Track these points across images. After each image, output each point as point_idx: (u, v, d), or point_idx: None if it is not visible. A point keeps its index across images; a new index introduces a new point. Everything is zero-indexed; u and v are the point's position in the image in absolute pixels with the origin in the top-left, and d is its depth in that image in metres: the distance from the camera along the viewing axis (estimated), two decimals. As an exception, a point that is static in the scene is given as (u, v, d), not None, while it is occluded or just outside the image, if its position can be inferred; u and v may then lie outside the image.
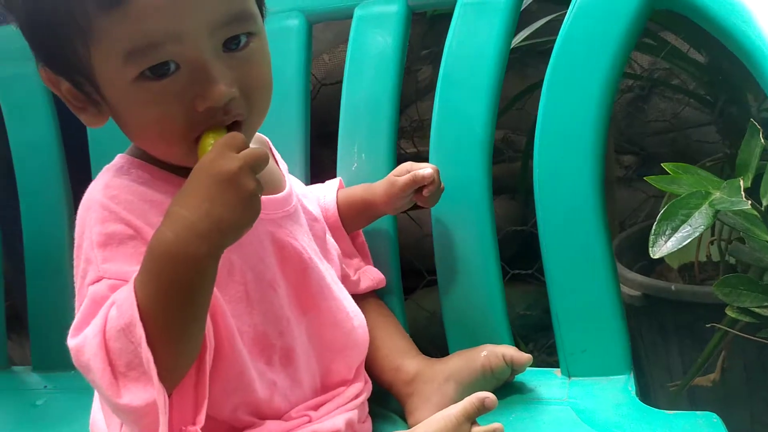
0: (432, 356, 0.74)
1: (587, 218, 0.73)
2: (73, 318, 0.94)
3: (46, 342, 0.95)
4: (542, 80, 0.74)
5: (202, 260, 0.46)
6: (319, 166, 0.88)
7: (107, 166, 0.58)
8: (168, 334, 0.47)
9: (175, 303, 0.47)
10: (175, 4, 0.48)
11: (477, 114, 0.77)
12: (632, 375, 0.72)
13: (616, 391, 0.70)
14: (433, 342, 0.79)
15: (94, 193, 0.54)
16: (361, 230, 0.80)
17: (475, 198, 0.77)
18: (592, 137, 0.72)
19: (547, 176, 0.74)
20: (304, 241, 0.64)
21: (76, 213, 0.55)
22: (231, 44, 0.52)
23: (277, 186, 0.65)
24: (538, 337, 1.39)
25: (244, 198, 0.47)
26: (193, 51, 0.50)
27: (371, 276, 0.78)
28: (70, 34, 0.49)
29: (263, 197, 0.53)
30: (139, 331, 0.46)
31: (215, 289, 0.52)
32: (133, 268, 0.49)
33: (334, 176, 0.82)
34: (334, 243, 0.74)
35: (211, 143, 0.50)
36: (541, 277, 1.27)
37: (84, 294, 0.51)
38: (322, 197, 0.77)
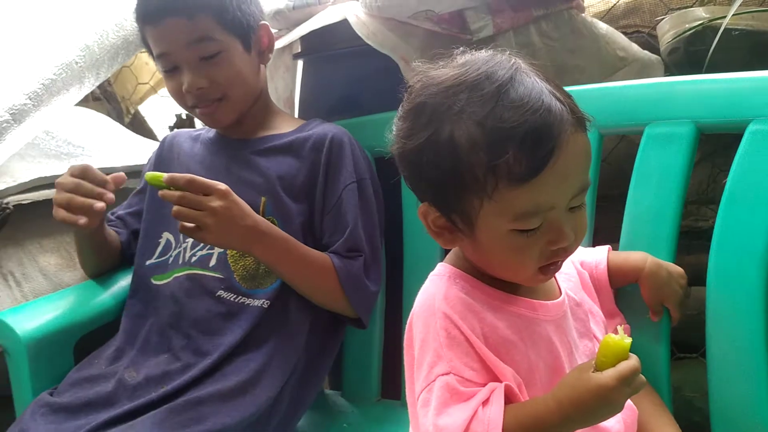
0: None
1: None
2: (376, 358, 1.15)
3: (356, 375, 1.18)
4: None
5: None
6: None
7: (435, 274, 0.76)
8: None
9: None
10: (562, 183, 0.65)
11: (762, 229, 0.83)
12: None
13: None
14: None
15: (437, 302, 0.71)
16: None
17: (751, 297, 0.84)
18: None
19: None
20: (572, 333, 0.78)
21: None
22: (573, 206, 0.69)
23: (555, 291, 0.79)
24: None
25: (614, 414, 0.64)
26: (557, 214, 0.67)
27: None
28: (473, 194, 0.66)
29: (550, 302, 0.74)
30: None
31: (519, 378, 0.68)
32: (466, 366, 0.67)
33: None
34: (598, 311, 0.86)
35: (618, 351, 0.64)
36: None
37: (431, 378, 0.68)
38: (594, 267, 0.89)
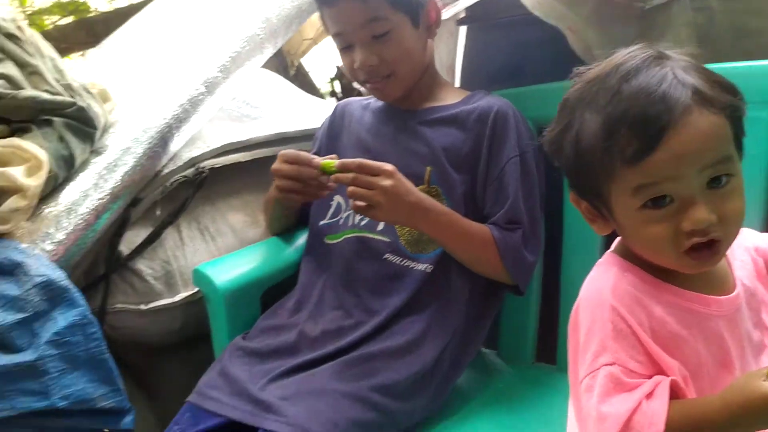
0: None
1: None
2: (533, 322, 1.20)
3: (513, 338, 1.24)
4: None
5: None
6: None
7: (603, 263, 0.78)
8: None
9: None
10: (679, 162, 0.66)
11: None
12: None
13: None
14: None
15: (605, 294, 0.73)
16: None
17: None
18: None
19: None
20: (745, 325, 0.77)
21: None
22: (714, 183, 0.68)
23: (729, 284, 0.78)
24: None
25: None
26: (684, 188, 0.67)
27: None
28: (600, 177, 0.71)
29: (724, 298, 0.73)
30: None
31: (685, 371, 0.70)
32: (632, 359, 0.69)
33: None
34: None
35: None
36: None
37: (595, 366, 0.71)
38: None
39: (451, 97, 1.20)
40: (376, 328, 1.07)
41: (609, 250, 0.80)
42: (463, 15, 1.44)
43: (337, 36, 1.16)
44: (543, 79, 1.17)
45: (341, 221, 1.21)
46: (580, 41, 1.13)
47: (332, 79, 3.17)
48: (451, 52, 1.45)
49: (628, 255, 0.77)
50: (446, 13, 1.31)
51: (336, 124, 1.30)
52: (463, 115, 1.14)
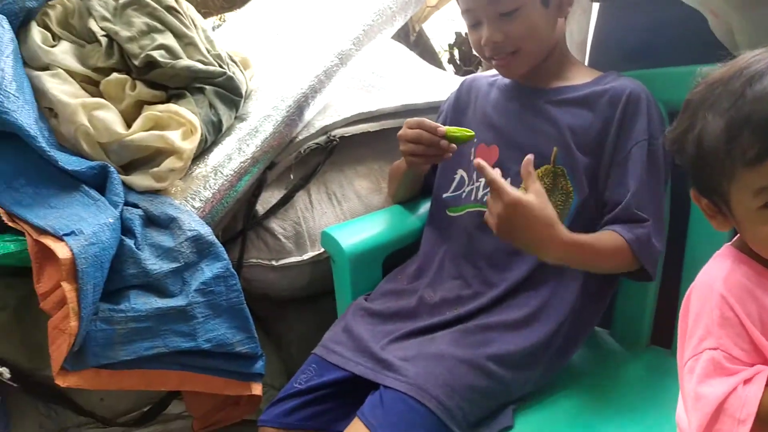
0: None
1: None
2: (650, 305, 1.20)
3: (628, 319, 1.25)
4: None
5: None
6: None
7: (721, 254, 0.79)
8: None
9: None
10: None
11: None
12: None
13: None
14: None
15: (717, 283, 0.75)
16: None
17: None
18: None
19: None
20: None
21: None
22: None
23: None
24: None
25: None
26: None
27: None
28: (720, 178, 0.72)
29: None
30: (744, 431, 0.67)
31: None
32: (736, 346, 0.71)
33: None
34: None
35: None
36: None
37: (699, 350, 0.73)
38: None
39: (582, 76, 1.20)
40: (494, 300, 1.12)
41: (728, 243, 0.81)
42: (597, -9, 1.41)
43: (466, 12, 1.18)
44: (676, 61, 1.15)
45: (464, 195, 1.25)
46: (723, 24, 1.10)
47: (451, 46, 3.18)
48: (583, 29, 1.43)
49: (745, 248, 0.78)
50: (581, -10, 1.30)
51: (462, 99, 1.34)
52: (593, 97, 1.14)
